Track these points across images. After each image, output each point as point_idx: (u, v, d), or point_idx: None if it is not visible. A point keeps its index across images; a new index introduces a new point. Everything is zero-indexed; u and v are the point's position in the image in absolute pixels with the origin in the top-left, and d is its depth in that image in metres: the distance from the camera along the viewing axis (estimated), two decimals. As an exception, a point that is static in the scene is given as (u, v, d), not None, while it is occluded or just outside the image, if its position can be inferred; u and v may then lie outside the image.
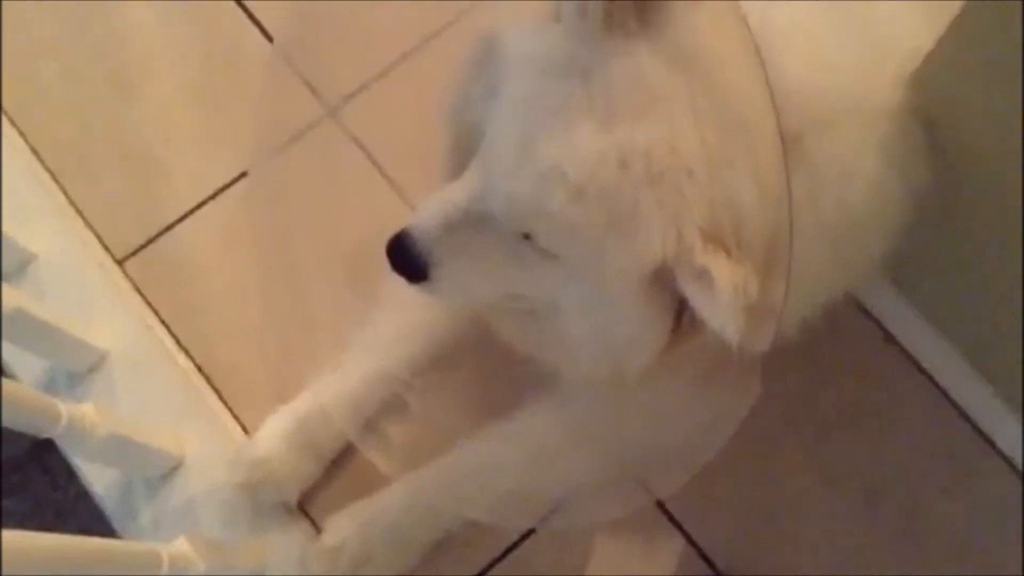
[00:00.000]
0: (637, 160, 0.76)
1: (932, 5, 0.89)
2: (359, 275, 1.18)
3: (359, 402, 1.17)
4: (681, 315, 0.82)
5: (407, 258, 0.84)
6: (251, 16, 1.41)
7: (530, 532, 1.18)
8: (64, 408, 1.04)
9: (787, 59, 0.82)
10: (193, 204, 1.34)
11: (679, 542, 1.19)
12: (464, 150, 0.88)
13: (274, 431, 1.18)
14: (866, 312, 1.25)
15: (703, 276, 0.76)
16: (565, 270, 0.82)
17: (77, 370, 1.26)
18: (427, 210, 0.83)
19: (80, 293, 1.30)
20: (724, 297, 0.74)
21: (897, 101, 0.89)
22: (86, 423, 1.07)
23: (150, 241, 1.33)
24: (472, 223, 0.82)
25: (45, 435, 1.03)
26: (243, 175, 1.33)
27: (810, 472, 1.22)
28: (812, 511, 1.21)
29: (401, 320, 1.17)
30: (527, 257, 0.82)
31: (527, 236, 0.81)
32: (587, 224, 0.77)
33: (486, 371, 1.16)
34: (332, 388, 1.16)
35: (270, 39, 1.40)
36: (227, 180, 1.34)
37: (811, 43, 0.85)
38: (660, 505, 1.19)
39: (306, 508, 1.20)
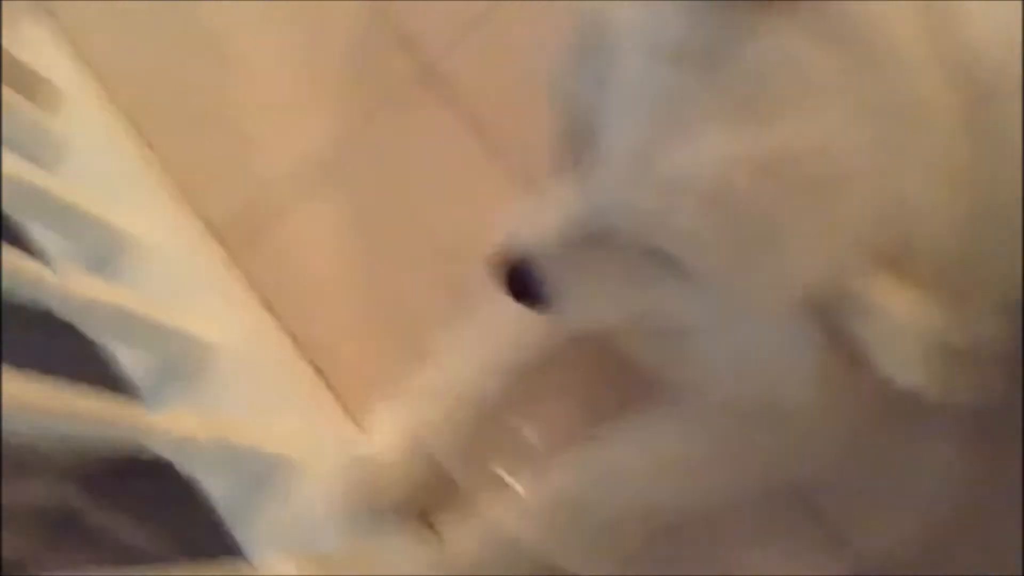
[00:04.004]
0: (781, 166, 0.61)
1: None
2: (466, 259, 1.07)
3: (467, 412, 1.08)
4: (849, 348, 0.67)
5: (528, 286, 0.75)
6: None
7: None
8: (164, 420, 1.00)
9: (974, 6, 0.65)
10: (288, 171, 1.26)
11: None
12: (579, 137, 0.74)
13: (389, 430, 1.10)
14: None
15: (869, 307, 0.61)
16: (700, 288, 0.69)
17: (182, 365, 1.20)
18: (543, 226, 0.73)
19: (183, 281, 1.24)
20: (898, 333, 0.60)
21: None
22: (188, 431, 1.02)
23: (251, 225, 1.26)
24: (591, 239, 0.71)
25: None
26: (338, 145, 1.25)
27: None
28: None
29: (511, 320, 1.06)
30: (655, 275, 0.70)
31: (654, 251, 0.68)
32: (722, 241, 0.64)
33: (601, 372, 1.06)
34: (442, 395, 1.09)
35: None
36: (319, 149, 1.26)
37: None
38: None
39: (424, 516, 1.12)
